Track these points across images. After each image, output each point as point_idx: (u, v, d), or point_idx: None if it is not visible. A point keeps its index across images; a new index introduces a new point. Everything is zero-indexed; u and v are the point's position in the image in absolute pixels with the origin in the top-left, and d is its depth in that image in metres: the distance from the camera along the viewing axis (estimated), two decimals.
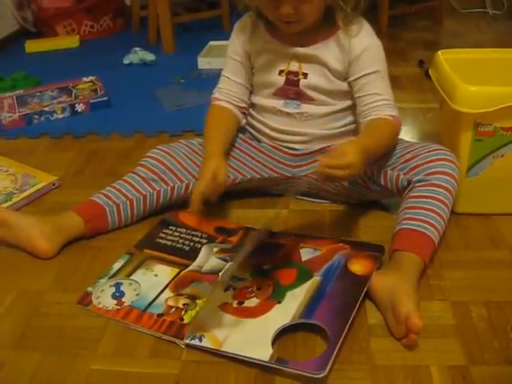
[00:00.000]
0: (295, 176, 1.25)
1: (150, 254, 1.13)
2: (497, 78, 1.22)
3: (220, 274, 1.02)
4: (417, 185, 1.09)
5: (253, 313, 0.96)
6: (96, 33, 2.69)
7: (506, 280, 1.05)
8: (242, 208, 1.29)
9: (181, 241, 1.16)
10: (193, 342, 0.91)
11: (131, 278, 1.07)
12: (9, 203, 1.32)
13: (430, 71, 1.33)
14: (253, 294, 1.00)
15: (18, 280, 1.11)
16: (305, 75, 1.18)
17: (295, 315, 0.94)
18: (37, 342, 0.95)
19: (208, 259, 1.11)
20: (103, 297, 1.03)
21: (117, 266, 1.10)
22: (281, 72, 1.19)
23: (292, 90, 1.19)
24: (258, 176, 1.26)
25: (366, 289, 0.98)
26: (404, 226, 1.05)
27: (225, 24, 2.60)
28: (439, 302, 1.00)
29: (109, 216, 1.19)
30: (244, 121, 1.29)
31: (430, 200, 1.06)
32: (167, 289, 1.03)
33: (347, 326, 0.91)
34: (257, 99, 1.26)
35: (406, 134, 1.54)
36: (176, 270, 1.08)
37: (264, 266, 1.07)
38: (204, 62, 2.19)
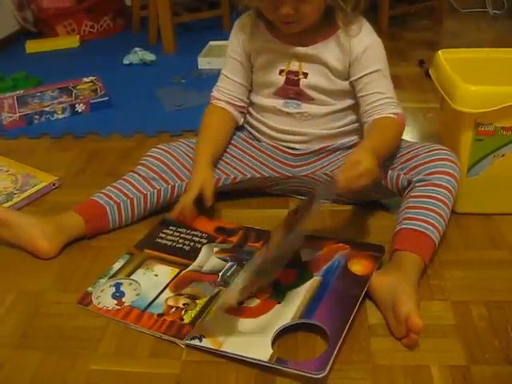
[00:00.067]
0: (295, 176, 1.25)
1: (150, 254, 1.13)
2: (497, 77, 1.22)
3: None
4: (417, 185, 1.09)
5: (253, 313, 0.96)
6: (96, 33, 2.69)
7: (507, 280, 1.05)
8: (243, 208, 1.29)
9: (181, 241, 1.16)
10: (193, 342, 0.91)
11: (131, 277, 1.07)
12: (9, 203, 1.32)
13: (430, 71, 1.33)
14: (253, 294, 1.00)
15: (19, 280, 1.11)
16: (305, 75, 1.18)
17: (295, 315, 0.94)
18: (37, 342, 0.96)
19: (208, 259, 1.11)
20: (103, 297, 1.03)
21: (117, 266, 1.10)
22: (281, 71, 1.19)
23: (292, 89, 1.19)
24: (258, 175, 1.26)
25: (366, 289, 0.98)
26: (404, 226, 1.05)
27: (225, 24, 2.60)
28: (439, 301, 1.00)
29: (109, 215, 1.19)
30: (242, 120, 1.30)
31: (430, 200, 1.06)
32: (167, 289, 1.03)
33: (347, 326, 0.91)
34: (257, 99, 1.26)
35: (407, 134, 1.52)
36: (176, 270, 1.08)
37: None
38: (204, 62, 2.19)
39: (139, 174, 1.22)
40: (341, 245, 1.10)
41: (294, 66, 1.18)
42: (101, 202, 1.19)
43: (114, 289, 1.04)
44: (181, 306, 0.99)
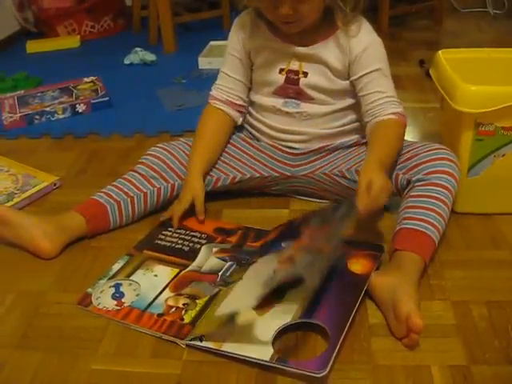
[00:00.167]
0: (295, 175, 1.26)
1: (149, 254, 1.13)
2: (497, 77, 1.22)
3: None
4: (416, 184, 1.09)
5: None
6: (97, 33, 2.69)
7: (507, 280, 1.05)
8: (243, 208, 1.29)
9: (180, 241, 1.16)
10: (193, 342, 0.91)
11: (131, 278, 1.07)
12: (10, 203, 1.32)
13: (430, 71, 1.33)
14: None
15: (19, 280, 1.11)
16: (305, 74, 1.18)
17: (295, 314, 0.94)
18: (38, 342, 0.96)
19: (207, 259, 1.11)
20: (103, 297, 1.03)
21: (116, 266, 1.10)
22: (281, 70, 1.19)
23: (292, 88, 1.19)
24: (258, 175, 1.26)
25: (365, 288, 0.98)
26: (404, 226, 1.05)
27: (225, 24, 2.60)
28: (440, 301, 1.00)
29: (110, 214, 1.19)
30: (241, 120, 1.29)
31: (430, 199, 1.06)
32: (167, 289, 1.03)
33: (347, 325, 0.91)
34: (256, 97, 1.26)
35: (407, 134, 1.52)
36: (176, 270, 1.08)
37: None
38: (205, 62, 2.19)
39: (139, 173, 1.22)
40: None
41: (295, 65, 1.18)
42: (101, 201, 1.19)
43: (113, 289, 1.04)
44: (181, 305, 0.99)
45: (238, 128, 1.31)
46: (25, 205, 1.34)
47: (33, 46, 2.55)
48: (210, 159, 1.24)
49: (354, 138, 1.24)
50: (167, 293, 1.02)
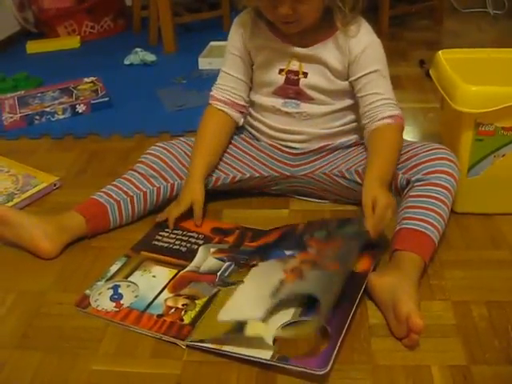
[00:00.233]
0: (294, 175, 1.26)
1: (147, 255, 1.13)
2: (497, 77, 1.22)
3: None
4: (416, 184, 1.09)
5: None
6: (97, 33, 2.69)
7: (507, 280, 1.05)
8: (243, 208, 1.30)
9: (177, 242, 1.16)
10: (194, 343, 0.91)
11: (129, 279, 1.06)
12: (10, 204, 1.32)
13: (430, 71, 1.33)
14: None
15: (20, 280, 1.11)
16: (305, 74, 1.18)
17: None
18: (38, 342, 0.96)
19: (205, 260, 1.11)
20: (101, 299, 1.02)
21: (114, 268, 1.09)
22: (281, 71, 1.19)
23: (292, 89, 1.19)
24: (258, 174, 1.26)
25: (364, 285, 0.98)
26: (404, 226, 1.05)
27: (225, 24, 2.60)
28: (440, 301, 1.00)
29: (110, 214, 1.19)
30: (242, 120, 1.29)
31: (429, 199, 1.06)
32: (166, 289, 1.03)
33: (348, 322, 0.91)
34: (256, 97, 1.26)
35: (407, 134, 1.53)
36: (174, 271, 1.08)
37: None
38: (205, 63, 2.19)
39: (139, 172, 1.23)
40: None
41: (294, 65, 1.18)
42: (101, 200, 1.19)
43: (111, 291, 1.04)
44: (180, 306, 0.99)
45: (239, 128, 1.31)
46: (25, 205, 1.34)
47: (33, 47, 2.55)
48: (212, 161, 1.24)
49: (354, 137, 1.24)
50: (166, 293, 1.02)
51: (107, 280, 1.07)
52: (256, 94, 1.26)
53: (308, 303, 0.94)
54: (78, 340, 0.96)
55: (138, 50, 2.31)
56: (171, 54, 2.41)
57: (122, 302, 1.01)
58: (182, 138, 1.30)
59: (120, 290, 1.04)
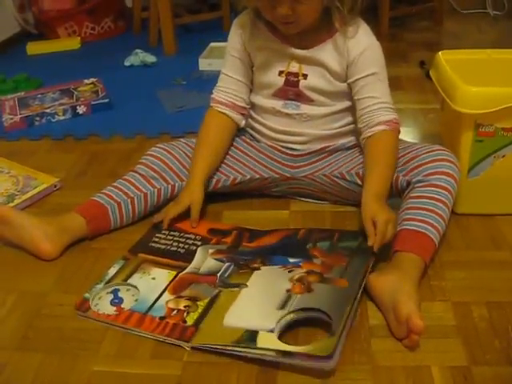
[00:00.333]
0: (295, 177, 1.26)
1: (144, 257, 1.12)
2: (497, 78, 1.22)
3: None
4: (416, 185, 1.09)
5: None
6: (97, 35, 2.69)
7: (507, 280, 1.05)
8: (243, 209, 1.30)
9: (175, 244, 1.15)
10: (200, 344, 0.91)
11: (128, 282, 1.06)
12: (11, 205, 1.32)
13: (430, 72, 1.34)
14: None
15: (20, 281, 1.11)
16: (305, 76, 1.18)
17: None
18: (38, 344, 0.96)
19: (204, 261, 1.10)
20: (101, 304, 1.01)
21: (112, 271, 1.08)
22: (280, 73, 1.19)
23: (292, 90, 1.19)
24: (258, 176, 1.26)
25: (365, 280, 0.98)
26: (404, 227, 1.05)
27: (226, 25, 2.60)
28: (440, 302, 1.00)
29: (111, 215, 1.19)
30: (243, 122, 1.29)
31: (430, 201, 1.06)
32: (166, 291, 1.03)
33: (350, 317, 0.91)
34: (256, 99, 1.26)
35: (408, 135, 1.54)
36: (173, 273, 1.07)
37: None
38: (205, 64, 2.19)
39: (139, 173, 1.23)
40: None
41: (294, 67, 1.18)
42: (102, 201, 1.19)
43: (112, 295, 1.03)
44: (182, 308, 0.98)
45: (239, 129, 1.31)
46: (25, 206, 1.34)
47: (33, 48, 2.55)
48: (213, 163, 1.23)
49: (354, 139, 1.24)
50: (167, 295, 1.02)
51: (106, 283, 1.06)
52: (256, 95, 1.26)
53: (318, 319, 0.93)
54: (79, 341, 0.96)
55: (139, 51, 2.31)
56: (171, 55, 2.40)
57: (122, 306, 1.01)
58: (182, 140, 1.30)
59: (120, 294, 1.03)
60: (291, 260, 1.07)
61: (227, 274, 1.06)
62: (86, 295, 1.03)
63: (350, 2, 1.09)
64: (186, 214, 1.19)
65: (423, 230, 1.04)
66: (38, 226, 1.14)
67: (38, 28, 2.75)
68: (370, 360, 0.89)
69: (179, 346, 0.92)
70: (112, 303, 1.02)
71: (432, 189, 1.07)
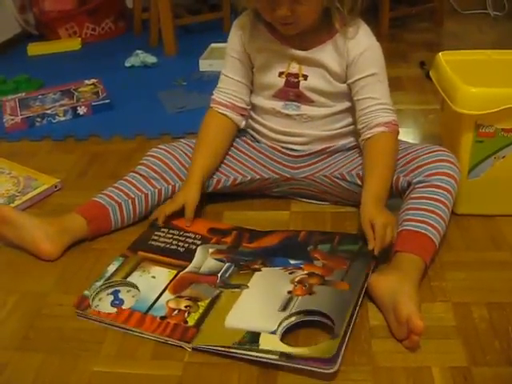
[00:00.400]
0: (295, 177, 1.26)
1: (144, 256, 1.12)
2: (498, 79, 1.22)
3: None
4: (417, 186, 1.09)
5: None
6: (98, 35, 2.70)
7: (508, 281, 1.05)
8: (243, 210, 1.30)
9: (174, 242, 1.15)
10: (201, 345, 0.90)
11: (128, 280, 1.05)
12: (11, 206, 1.32)
13: (430, 72, 1.34)
14: None
15: (21, 281, 1.11)
16: (305, 77, 1.18)
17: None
18: (39, 344, 0.96)
19: (205, 260, 1.10)
20: (102, 305, 1.01)
21: (111, 268, 1.08)
22: (281, 74, 1.19)
23: (292, 91, 1.20)
24: (258, 177, 1.27)
25: (366, 283, 0.98)
26: (405, 228, 1.05)
27: (226, 26, 2.60)
28: (440, 303, 1.00)
29: (111, 215, 1.19)
30: (244, 123, 1.29)
31: (430, 201, 1.07)
32: (166, 291, 1.02)
33: (352, 322, 0.91)
34: (256, 100, 1.26)
35: (408, 136, 1.54)
36: (173, 272, 1.07)
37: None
38: (205, 64, 2.19)
39: (140, 174, 1.23)
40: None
41: (294, 68, 1.18)
42: (102, 202, 1.19)
43: (112, 297, 1.03)
44: (183, 308, 0.98)
45: (240, 130, 1.31)
46: (26, 207, 1.34)
47: (34, 49, 2.56)
48: (212, 164, 1.23)
49: (354, 139, 1.24)
50: (167, 295, 1.01)
51: (105, 280, 1.05)
52: (257, 96, 1.26)
53: (320, 321, 0.93)
54: (79, 341, 0.96)
55: (139, 51, 2.32)
56: (172, 56, 2.41)
57: (123, 307, 1.00)
58: (183, 140, 1.30)
59: (121, 296, 1.03)
60: (292, 262, 1.07)
61: (228, 274, 1.06)
62: (86, 292, 1.03)
63: (350, 3, 1.09)
64: (184, 213, 1.19)
65: (423, 231, 1.04)
66: (38, 226, 1.14)
67: (38, 29, 2.76)
68: (370, 361, 0.89)
69: (180, 346, 0.92)
70: (112, 304, 1.01)
71: (432, 189, 1.08)
